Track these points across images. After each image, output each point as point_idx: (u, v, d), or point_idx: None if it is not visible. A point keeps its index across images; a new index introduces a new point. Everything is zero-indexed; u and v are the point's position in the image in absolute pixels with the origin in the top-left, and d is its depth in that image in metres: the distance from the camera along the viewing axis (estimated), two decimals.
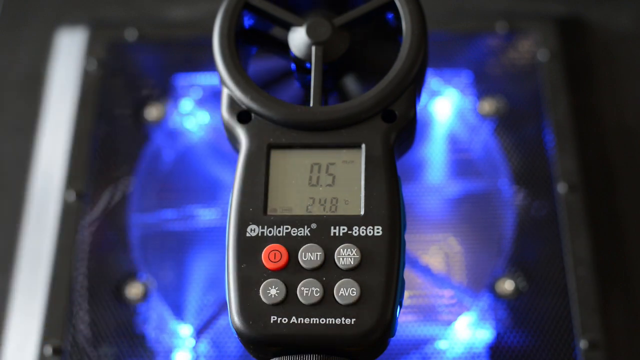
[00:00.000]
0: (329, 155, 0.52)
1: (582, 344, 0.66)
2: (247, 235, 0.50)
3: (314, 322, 0.48)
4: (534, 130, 0.75)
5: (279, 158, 0.52)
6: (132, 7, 0.84)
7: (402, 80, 0.53)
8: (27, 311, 0.70)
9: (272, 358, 0.49)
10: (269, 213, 0.51)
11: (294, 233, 0.50)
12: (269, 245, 0.50)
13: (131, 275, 0.71)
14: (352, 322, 0.48)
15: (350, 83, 0.56)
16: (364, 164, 0.52)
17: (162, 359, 0.68)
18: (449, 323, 0.68)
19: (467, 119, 0.76)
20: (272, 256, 0.50)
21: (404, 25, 0.54)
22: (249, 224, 0.51)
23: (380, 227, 0.50)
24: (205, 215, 0.74)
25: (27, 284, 0.72)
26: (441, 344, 0.68)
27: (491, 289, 0.69)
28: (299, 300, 0.49)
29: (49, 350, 0.68)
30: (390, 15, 0.56)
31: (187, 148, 0.77)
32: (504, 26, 0.79)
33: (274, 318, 0.49)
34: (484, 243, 0.72)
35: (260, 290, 0.49)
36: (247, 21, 0.56)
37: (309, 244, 0.50)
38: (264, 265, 0.50)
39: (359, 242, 0.50)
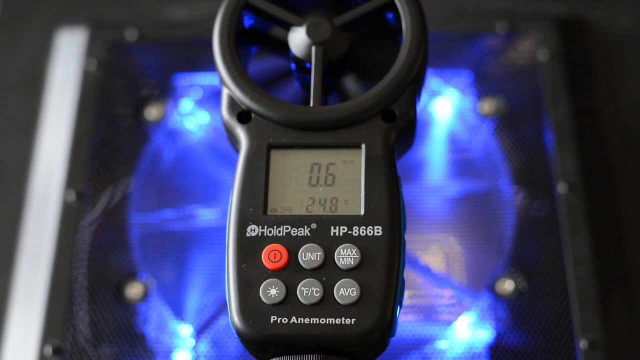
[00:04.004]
0: (329, 155, 0.52)
1: (582, 344, 0.66)
2: (247, 235, 0.50)
3: (314, 322, 0.48)
4: (534, 130, 0.75)
5: (279, 158, 0.52)
6: (132, 7, 0.84)
7: (402, 80, 0.53)
8: (27, 311, 0.70)
9: (272, 358, 0.49)
10: (269, 213, 0.51)
11: (294, 233, 0.50)
12: (269, 245, 0.50)
13: (131, 275, 0.71)
14: (352, 322, 0.48)
15: (350, 83, 0.55)
16: (364, 164, 0.52)
17: (162, 359, 0.68)
18: (449, 323, 0.68)
19: (467, 119, 0.76)
20: (272, 256, 0.50)
21: (404, 25, 0.54)
22: (249, 224, 0.51)
23: (380, 227, 0.50)
24: (205, 215, 0.74)
25: (27, 284, 0.72)
26: (441, 344, 0.68)
27: (491, 289, 0.69)
28: (299, 300, 0.49)
29: (49, 350, 0.68)
30: (390, 15, 0.56)
31: (187, 148, 0.77)
32: (504, 26, 0.79)
33: (274, 318, 0.49)
34: (484, 243, 0.72)
35: (260, 290, 0.49)
36: (247, 21, 0.56)
37: (309, 244, 0.50)
38: (264, 265, 0.50)
39: (359, 242, 0.50)
